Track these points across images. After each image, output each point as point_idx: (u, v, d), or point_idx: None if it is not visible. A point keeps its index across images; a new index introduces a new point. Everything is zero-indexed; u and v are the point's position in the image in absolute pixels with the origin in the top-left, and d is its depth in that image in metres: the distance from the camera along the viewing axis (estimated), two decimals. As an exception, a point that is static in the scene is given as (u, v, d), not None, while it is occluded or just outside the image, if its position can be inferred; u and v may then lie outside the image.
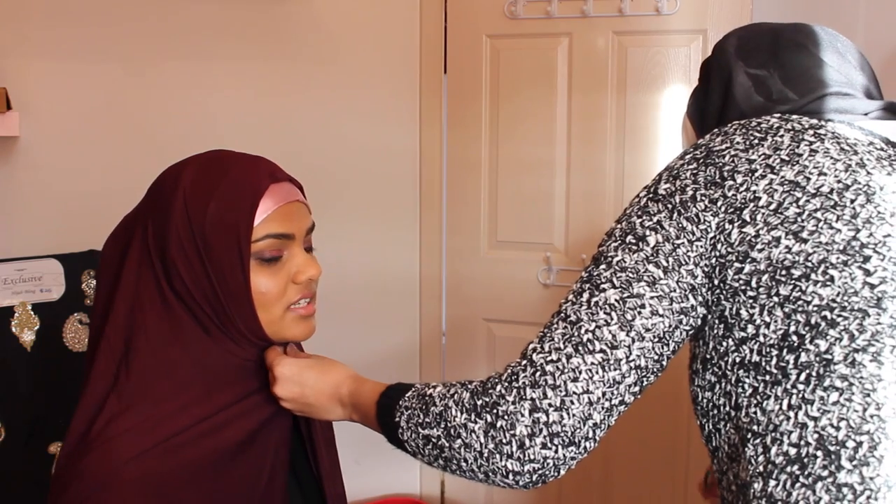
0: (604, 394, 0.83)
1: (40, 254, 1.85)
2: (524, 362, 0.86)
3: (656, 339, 0.85)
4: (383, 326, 2.42)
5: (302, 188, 1.04)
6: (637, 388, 0.86)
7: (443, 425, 0.87)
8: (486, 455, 0.84)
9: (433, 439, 0.88)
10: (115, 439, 0.91)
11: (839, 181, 0.86)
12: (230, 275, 0.94)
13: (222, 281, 0.94)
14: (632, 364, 0.84)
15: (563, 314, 0.88)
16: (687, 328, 0.88)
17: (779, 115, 0.94)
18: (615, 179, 2.25)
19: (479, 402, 0.85)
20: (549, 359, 0.84)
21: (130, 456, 0.90)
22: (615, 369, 0.83)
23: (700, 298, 0.87)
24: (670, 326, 0.86)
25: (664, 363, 0.87)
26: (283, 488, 1.03)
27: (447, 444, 0.87)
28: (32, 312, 1.81)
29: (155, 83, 2.15)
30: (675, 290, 0.85)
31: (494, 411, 0.84)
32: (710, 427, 0.89)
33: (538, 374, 0.83)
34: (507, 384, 0.85)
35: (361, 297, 2.36)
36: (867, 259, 0.83)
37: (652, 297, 0.85)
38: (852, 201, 0.85)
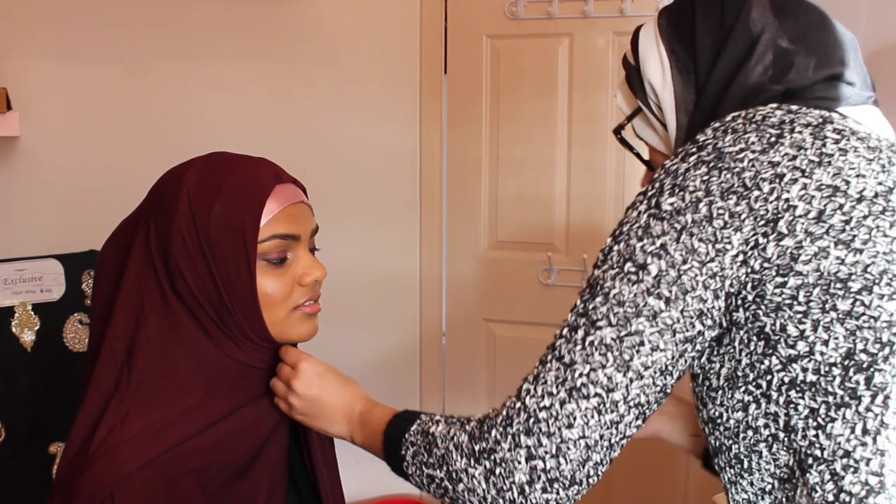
0: (602, 436, 0.80)
1: (40, 254, 1.85)
2: (518, 405, 0.82)
3: (658, 374, 0.80)
4: (383, 326, 2.42)
5: (305, 190, 1.04)
6: (640, 422, 0.82)
7: (445, 468, 0.86)
8: (489, 500, 0.83)
9: (437, 480, 0.88)
10: (118, 448, 0.90)
11: (880, 183, 0.80)
12: (236, 276, 0.94)
13: (227, 282, 0.94)
14: (631, 403, 0.80)
15: (557, 352, 0.82)
16: (693, 354, 0.82)
17: (776, 105, 0.86)
18: (616, 179, 2.25)
19: (476, 448, 0.84)
20: (542, 404, 0.80)
21: (135, 466, 0.89)
22: (612, 412, 0.79)
23: (710, 322, 0.80)
24: (673, 358, 0.80)
25: (668, 391, 0.83)
26: (283, 502, 1.03)
27: (451, 487, 0.86)
28: (32, 312, 1.80)
29: (155, 83, 2.15)
30: (678, 321, 0.79)
31: (492, 458, 0.82)
32: (741, 449, 0.83)
33: (532, 420, 0.80)
34: (501, 429, 0.82)
35: (361, 297, 2.35)
36: None
37: (652, 333, 0.79)
38: None
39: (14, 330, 1.78)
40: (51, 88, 2.06)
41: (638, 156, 1.04)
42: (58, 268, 1.84)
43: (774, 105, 0.86)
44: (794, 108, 0.85)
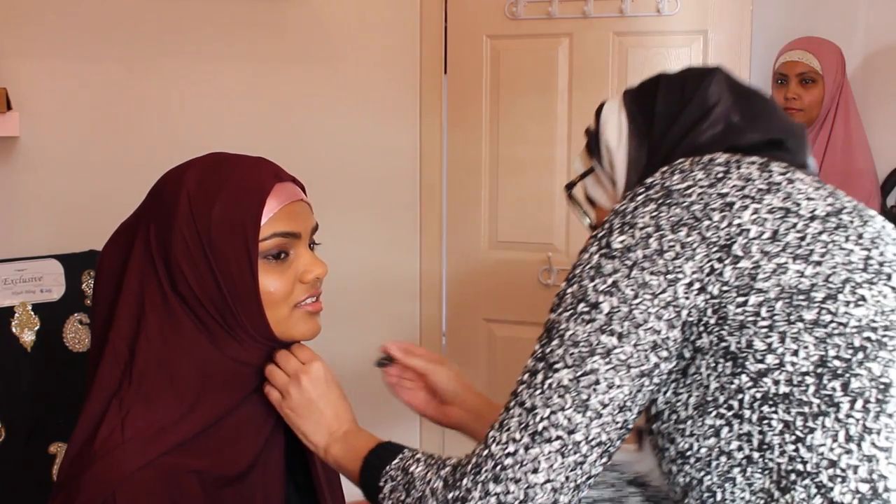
0: (567, 478, 0.81)
1: (40, 254, 1.85)
2: (485, 452, 0.83)
3: (616, 411, 0.81)
4: (383, 326, 2.42)
5: (304, 188, 1.04)
6: (604, 459, 0.83)
7: None
8: None
9: None
10: (119, 448, 0.90)
11: (830, 205, 0.83)
12: (238, 275, 0.94)
13: (230, 281, 0.94)
14: (592, 443, 0.81)
15: (518, 398, 0.84)
16: (651, 388, 0.83)
17: (723, 152, 0.88)
18: (615, 179, 2.26)
19: (450, 496, 0.85)
20: (507, 451, 0.81)
21: (137, 466, 0.89)
22: (575, 453, 0.80)
23: (665, 353, 0.81)
24: (631, 392, 0.81)
25: (630, 426, 0.83)
26: (282, 502, 1.03)
27: None
28: (32, 312, 1.80)
29: (155, 83, 2.15)
30: (632, 356, 0.80)
31: None
32: (713, 479, 0.82)
33: (499, 467, 0.81)
34: (472, 477, 0.83)
35: (361, 297, 2.35)
36: (889, 277, 0.80)
37: (608, 370, 0.80)
38: (851, 222, 0.82)
39: (14, 330, 1.78)
40: (51, 88, 2.06)
41: (585, 213, 1.05)
42: (58, 268, 1.84)
43: (721, 153, 0.88)
44: (738, 154, 0.88)
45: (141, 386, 0.94)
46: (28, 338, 1.80)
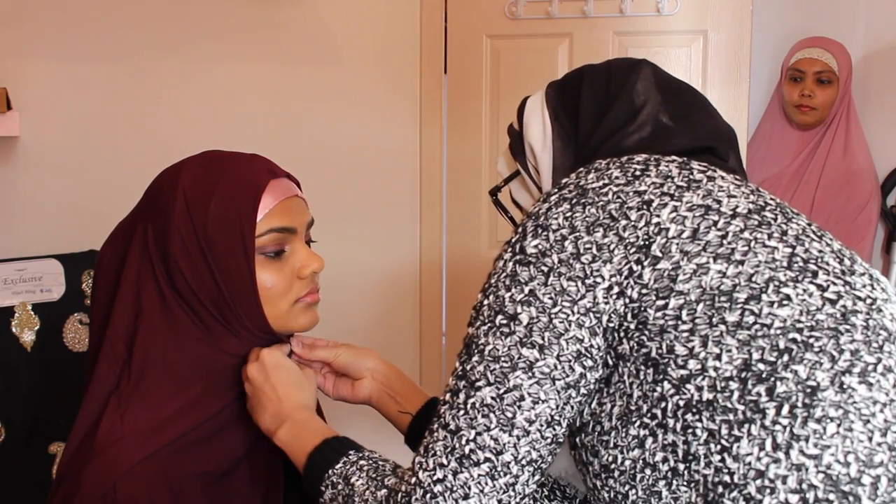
0: (500, 501, 0.76)
1: (40, 254, 1.85)
2: (414, 480, 0.78)
3: (545, 426, 0.77)
4: (383, 326, 2.42)
5: (299, 184, 1.05)
6: (537, 477, 0.79)
7: None
8: None
9: None
10: (120, 442, 0.91)
11: (752, 202, 0.80)
12: (235, 271, 0.95)
13: (227, 278, 0.95)
14: (522, 462, 0.76)
15: (442, 420, 0.79)
16: (579, 399, 0.79)
17: (646, 155, 0.85)
18: (615, 179, 2.25)
19: None
20: (435, 477, 0.77)
21: (135, 460, 0.90)
22: (506, 474, 0.76)
23: (590, 362, 0.78)
24: (558, 406, 0.77)
25: (561, 440, 0.80)
26: (280, 497, 1.04)
27: None
28: (32, 312, 1.80)
29: (155, 83, 2.15)
30: (556, 368, 0.77)
31: None
32: (638, 494, 0.77)
33: (429, 496, 0.76)
34: None
35: (361, 297, 2.36)
36: (815, 274, 0.77)
37: (531, 385, 0.76)
38: (774, 220, 0.80)
39: (14, 330, 1.78)
40: (51, 88, 2.06)
41: (511, 220, 1.02)
42: (58, 268, 1.84)
43: (644, 155, 0.85)
44: (657, 156, 0.85)
45: (139, 382, 0.95)
46: (28, 338, 1.80)
